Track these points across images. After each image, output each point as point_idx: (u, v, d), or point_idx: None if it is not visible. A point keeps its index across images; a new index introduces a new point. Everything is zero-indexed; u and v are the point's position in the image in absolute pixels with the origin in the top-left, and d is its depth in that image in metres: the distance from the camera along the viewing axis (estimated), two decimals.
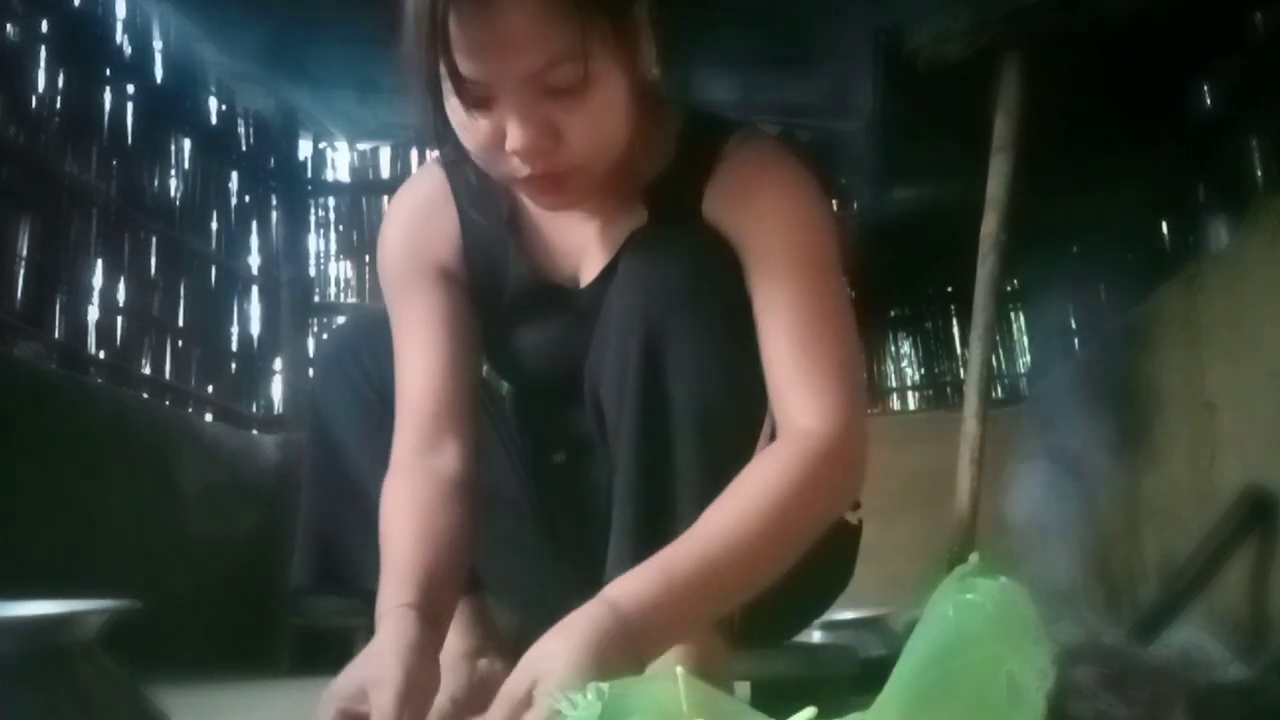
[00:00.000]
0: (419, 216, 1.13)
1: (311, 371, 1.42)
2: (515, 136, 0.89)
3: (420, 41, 0.87)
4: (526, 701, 0.76)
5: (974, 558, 0.63)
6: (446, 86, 0.89)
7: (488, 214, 1.10)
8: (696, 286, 0.96)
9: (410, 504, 1.00)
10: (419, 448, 1.04)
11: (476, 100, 0.89)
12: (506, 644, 1.24)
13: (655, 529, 0.93)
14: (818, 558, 0.95)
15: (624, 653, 0.79)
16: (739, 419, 0.97)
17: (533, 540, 1.22)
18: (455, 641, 1.18)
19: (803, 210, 1.01)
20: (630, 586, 0.84)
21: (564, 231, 1.09)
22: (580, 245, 1.09)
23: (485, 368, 1.23)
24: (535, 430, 1.22)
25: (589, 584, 0.96)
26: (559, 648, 0.79)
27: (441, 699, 1.13)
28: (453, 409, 1.06)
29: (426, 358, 1.07)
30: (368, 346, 1.18)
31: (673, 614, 0.83)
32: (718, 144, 1.03)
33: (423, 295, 1.10)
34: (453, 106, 0.92)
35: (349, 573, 1.20)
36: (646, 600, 0.82)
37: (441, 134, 0.95)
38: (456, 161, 1.10)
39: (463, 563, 1.02)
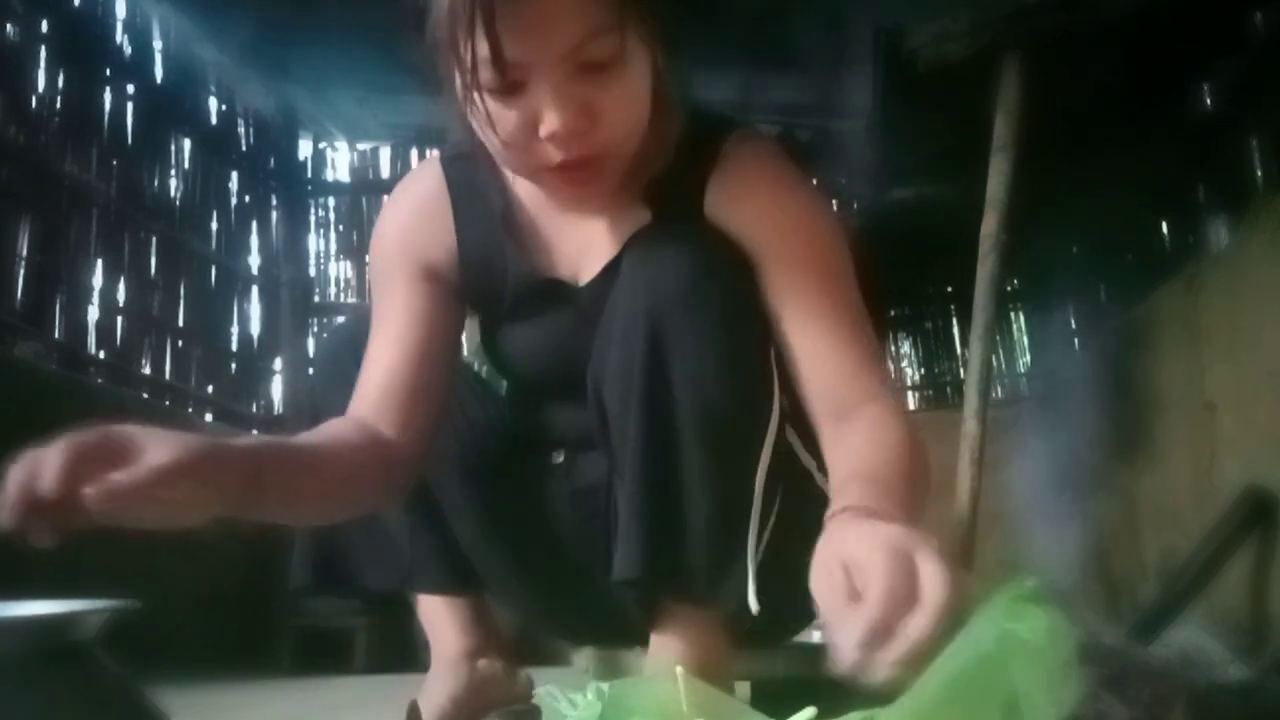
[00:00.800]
0: (414, 214, 1.13)
1: (311, 371, 1.42)
2: (552, 119, 0.88)
3: (460, 24, 0.85)
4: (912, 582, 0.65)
5: (1029, 583, 0.61)
6: (479, 72, 0.87)
7: (485, 212, 1.11)
8: (701, 285, 0.96)
9: (324, 427, 1.00)
10: (360, 413, 1.04)
11: (510, 85, 0.87)
12: (506, 644, 1.24)
13: (658, 525, 0.93)
14: None
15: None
16: (743, 417, 0.98)
17: (531, 540, 1.22)
18: (455, 641, 1.19)
19: (810, 206, 1.03)
20: (865, 497, 0.82)
21: (564, 229, 1.09)
22: (581, 243, 1.09)
23: (485, 366, 1.23)
24: (534, 429, 1.22)
25: (588, 583, 0.96)
26: (883, 530, 0.72)
27: (441, 699, 1.13)
28: (406, 398, 1.05)
29: (391, 347, 1.07)
30: (366, 346, 1.18)
31: (904, 511, 0.83)
32: (717, 143, 1.03)
33: (404, 290, 1.10)
34: (479, 101, 0.90)
35: (348, 573, 1.20)
36: (891, 507, 0.81)
37: (476, 121, 0.93)
38: (457, 158, 1.10)
39: (301, 486, 0.94)
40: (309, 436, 0.98)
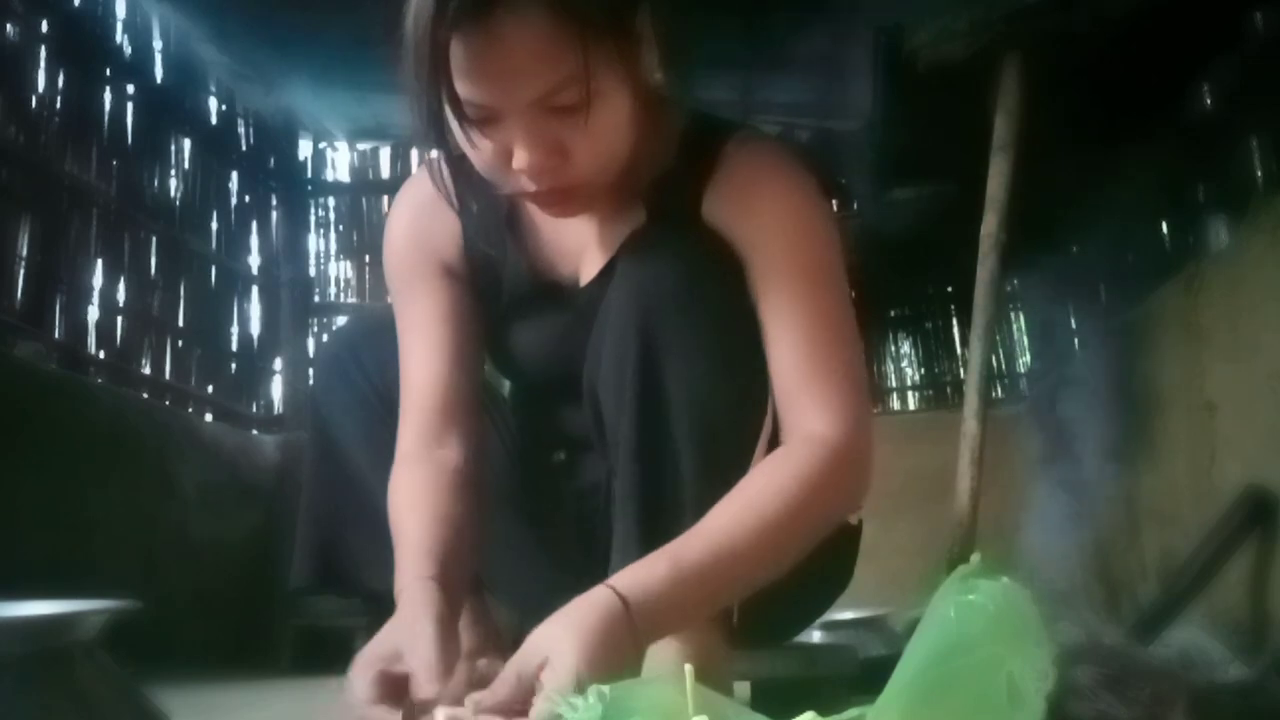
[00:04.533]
0: (421, 214, 1.14)
1: (312, 372, 1.43)
2: (521, 157, 0.90)
3: (421, 70, 0.87)
4: (531, 682, 0.77)
5: (975, 558, 0.63)
6: (448, 110, 0.89)
7: (486, 212, 1.11)
8: (694, 288, 0.96)
9: (421, 488, 1.02)
10: (425, 439, 1.05)
11: (481, 122, 0.89)
12: (506, 643, 1.24)
13: (656, 529, 0.93)
14: (818, 558, 0.95)
15: (626, 639, 0.81)
16: (737, 419, 0.98)
17: (532, 539, 1.22)
18: None
19: (805, 213, 1.01)
20: (637, 575, 0.85)
21: (563, 231, 1.10)
22: (579, 245, 1.10)
23: (487, 365, 1.23)
24: (535, 429, 1.22)
25: (589, 582, 0.96)
26: (564, 631, 0.80)
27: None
28: (456, 404, 1.08)
29: (430, 354, 1.08)
30: (368, 347, 1.18)
31: (676, 603, 0.85)
32: (718, 145, 1.03)
33: (426, 292, 1.11)
34: (457, 126, 0.92)
35: (349, 573, 1.21)
36: (651, 589, 0.84)
37: (442, 154, 0.97)
38: (458, 159, 1.11)
39: (472, 550, 1.03)
40: (439, 516, 1.00)
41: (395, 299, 1.14)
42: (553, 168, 0.91)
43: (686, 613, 0.87)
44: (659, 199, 1.05)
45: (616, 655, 0.77)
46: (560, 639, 0.79)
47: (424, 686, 0.82)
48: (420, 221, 1.14)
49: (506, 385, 1.32)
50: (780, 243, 0.99)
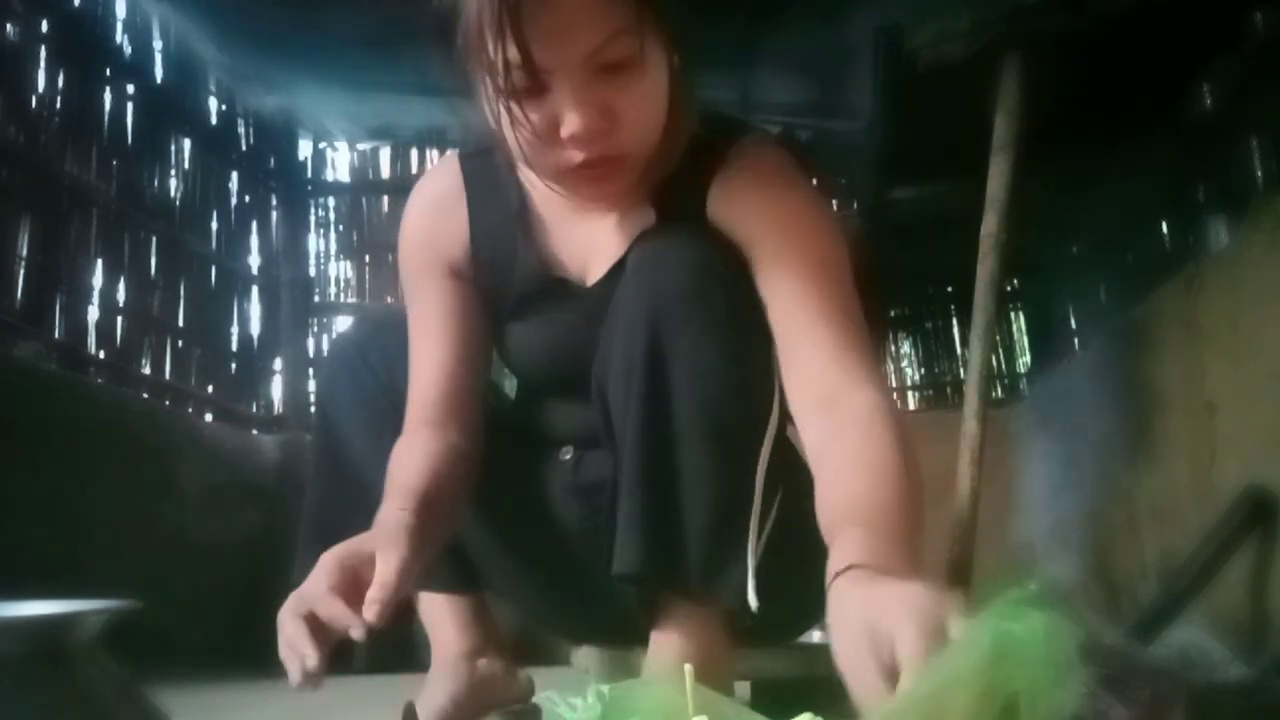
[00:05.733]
0: (432, 212, 1.17)
1: (317, 371, 1.44)
2: (572, 121, 0.91)
3: (488, 31, 0.88)
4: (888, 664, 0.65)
5: (1033, 587, 0.61)
6: (507, 75, 0.90)
7: (500, 209, 1.13)
8: (702, 287, 0.97)
9: (419, 452, 1.04)
10: (428, 422, 1.08)
11: (532, 89, 0.91)
12: (506, 644, 1.24)
13: (659, 524, 0.93)
14: (819, 557, 0.95)
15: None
16: (743, 418, 0.98)
17: (538, 537, 1.22)
18: (455, 640, 1.19)
19: (808, 209, 1.04)
20: (860, 550, 0.78)
21: (573, 229, 1.11)
22: (589, 243, 1.11)
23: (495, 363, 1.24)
24: (542, 426, 1.23)
25: (593, 579, 0.96)
26: (890, 603, 0.67)
27: (441, 700, 1.14)
28: (460, 397, 1.10)
29: (436, 350, 1.11)
30: (375, 346, 1.19)
31: (909, 559, 0.80)
32: (724, 146, 1.05)
33: (435, 290, 1.14)
34: (502, 106, 0.93)
35: None
36: (880, 554, 0.78)
37: (502, 122, 0.95)
38: (474, 155, 1.12)
39: (452, 514, 1.05)
40: (429, 470, 1.02)
41: (406, 295, 1.17)
42: (602, 132, 0.93)
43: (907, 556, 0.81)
44: (667, 198, 1.06)
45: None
46: (931, 601, 0.66)
47: (373, 599, 0.83)
48: (430, 221, 1.16)
49: (511, 385, 1.32)
50: (786, 235, 1.00)
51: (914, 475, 0.88)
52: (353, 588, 0.85)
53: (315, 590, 0.84)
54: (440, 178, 1.18)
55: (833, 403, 0.93)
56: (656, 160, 1.02)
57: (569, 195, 1.05)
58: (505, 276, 1.14)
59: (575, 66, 0.90)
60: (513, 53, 0.87)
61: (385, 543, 0.89)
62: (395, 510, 0.95)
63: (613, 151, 0.95)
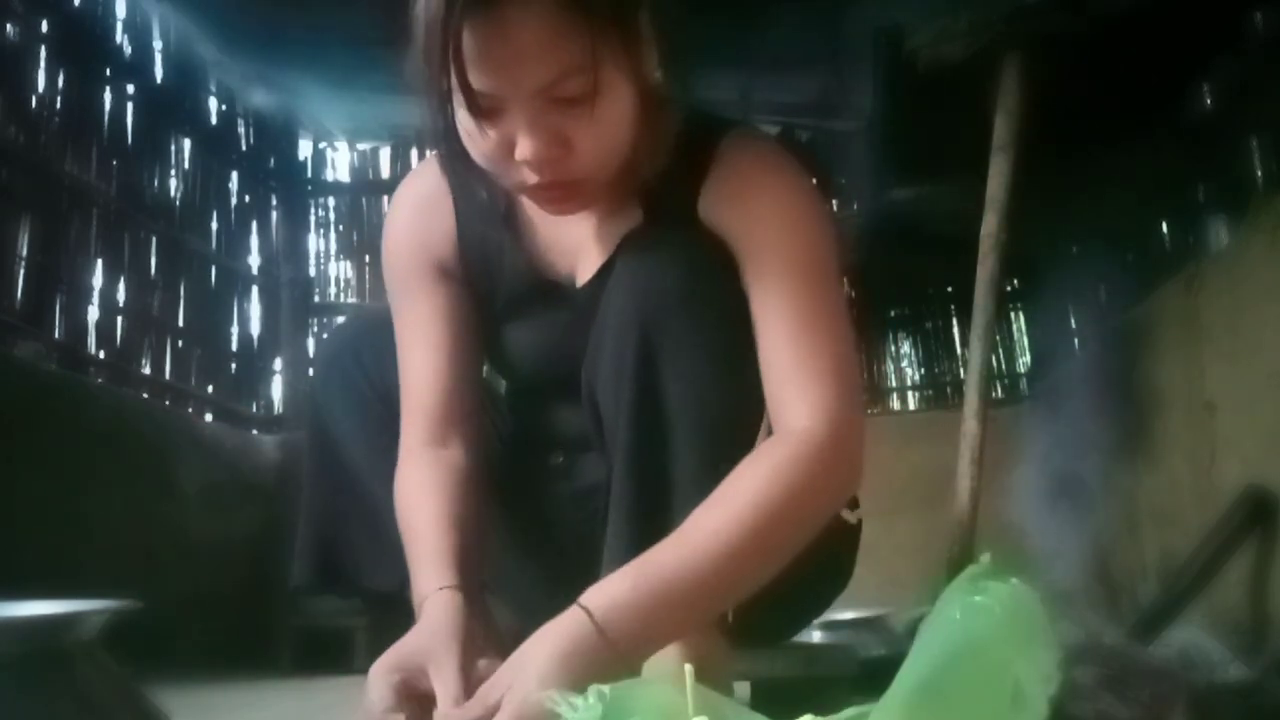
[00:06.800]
0: (418, 213, 1.14)
1: (311, 371, 1.43)
2: (525, 147, 0.90)
3: (432, 55, 0.87)
4: (496, 706, 0.79)
5: (985, 558, 0.62)
6: (456, 98, 0.89)
7: (484, 210, 1.11)
8: (691, 288, 0.96)
9: (430, 488, 1.02)
10: (428, 439, 1.06)
11: (486, 111, 0.89)
12: (506, 645, 1.24)
13: (650, 529, 0.93)
14: (817, 557, 0.95)
15: (600, 658, 0.80)
16: (734, 420, 0.98)
17: (531, 541, 1.22)
18: None
19: (797, 209, 1.01)
20: (605, 591, 0.85)
21: (560, 230, 1.10)
22: (576, 244, 1.10)
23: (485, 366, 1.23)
24: (533, 430, 1.22)
25: (588, 584, 0.96)
26: (531, 656, 0.81)
27: (441, 703, 1.13)
28: (458, 403, 1.08)
29: (430, 354, 1.09)
30: (368, 346, 1.18)
31: (651, 617, 0.84)
32: (712, 144, 1.04)
33: (424, 292, 1.12)
34: (461, 117, 0.92)
35: (349, 572, 1.20)
36: (620, 604, 0.83)
37: (450, 142, 0.96)
38: (455, 156, 1.11)
39: (482, 547, 1.04)
40: (449, 517, 1.01)
41: (393, 299, 1.14)
42: (554, 159, 0.91)
43: (665, 623, 0.85)
44: (655, 198, 1.05)
45: (585, 674, 0.75)
46: (525, 664, 0.80)
47: (447, 709, 0.83)
48: (417, 221, 1.14)
49: (503, 387, 1.32)
50: (771, 237, 0.99)
51: (778, 516, 0.88)
52: (410, 700, 0.86)
53: (375, 713, 0.85)
54: (423, 178, 1.15)
55: (773, 423, 0.95)
56: (640, 161, 1.01)
57: (540, 208, 1.04)
58: (494, 277, 1.13)
59: (528, 97, 0.88)
60: (460, 79, 0.87)
61: (438, 650, 0.88)
62: (436, 590, 0.94)
63: (567, 177, 0.94)
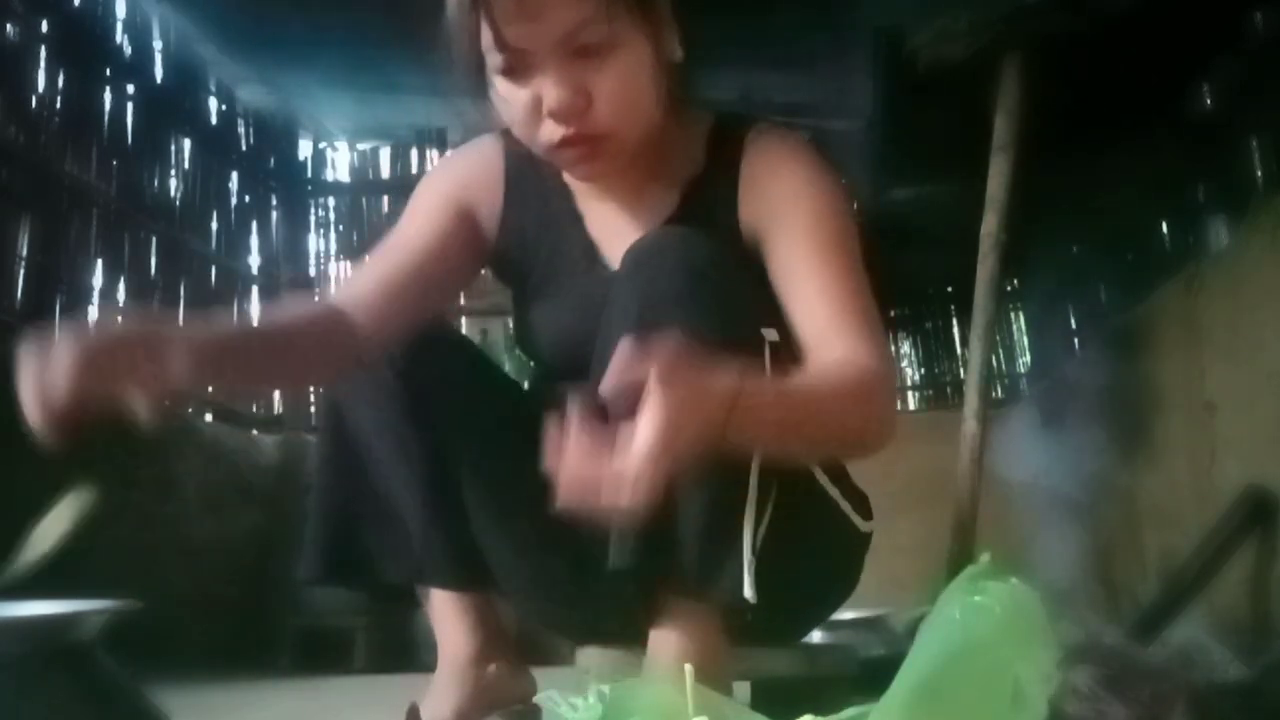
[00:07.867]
0: (468, 169, 1.21)
1: None
2: (551, 96, 0.98)
3: (463, 17, 0.98)
4: (630, 387, 0.80)
5: (984, 558, 0.63)
6: (491, 59, 0.98)
7: (536, 190, 1.17)
8: (689, 288, 0.98)
9: (284, 312, 1.11)
10: (337, 300, 1.11)
11: (516, 70, 0.99)
12: (513, 646, 1.24)
13: (654, 521, 0.93)
14: (825, 562, 0.95)
15: (719, 413, 0.83)
16: None
17: (548, 529, 1.22)
18: (463, 642, 1.18)
19: (824, 189, 1.09)
20: (753, 376, 0.89)
21: (604, 220, 1.15)
22: (616, 234, 1.13)
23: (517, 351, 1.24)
24: (551, 415, 1.22)
25: (597, 577, 0.96)
26: (682, 374, 0.80)
27: (445, 709, 1.13)
28: (390, 297, 1.12)
29: (397, 252, 1.16)
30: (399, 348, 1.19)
31: (769, 411, 0.89)
32: (739, 139, 1.11)
33: (431, 215, 1.18)
34: (496, 86, 1.01)
35: (359, 564, 1.20)
36: (764, 388, 0.90)
37: (481, 95, 1.04)
38: (512, 134, 1.14)
39: (267, 355, 1.06)
40: (275, 317, 1.09)
41: (406, 211, 1.20)
42: (578, 110, 0.99)
43: (770, 427, 0.90)
44: (693, 197, 1.11)
45: (703, 417, 0.80)
46: (679, 368, 0.80)
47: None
48: (465, 173, 1.20)
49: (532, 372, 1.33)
50: (803, 207, 1.06)
51: (840, 404, 0.95)
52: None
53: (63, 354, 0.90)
54: (482, 146, 1.21)
55: (822, 346, 1.00)
56: (673, 156, 1.09)
57: (566, 172, 1.11)
58: (530, 257, 1.18)
59: (552, 48, 0.97)
60: (488, 34, 0.96)
61: (152, 331, 0.95)
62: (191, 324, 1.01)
63: (592, 130, 1.01)
